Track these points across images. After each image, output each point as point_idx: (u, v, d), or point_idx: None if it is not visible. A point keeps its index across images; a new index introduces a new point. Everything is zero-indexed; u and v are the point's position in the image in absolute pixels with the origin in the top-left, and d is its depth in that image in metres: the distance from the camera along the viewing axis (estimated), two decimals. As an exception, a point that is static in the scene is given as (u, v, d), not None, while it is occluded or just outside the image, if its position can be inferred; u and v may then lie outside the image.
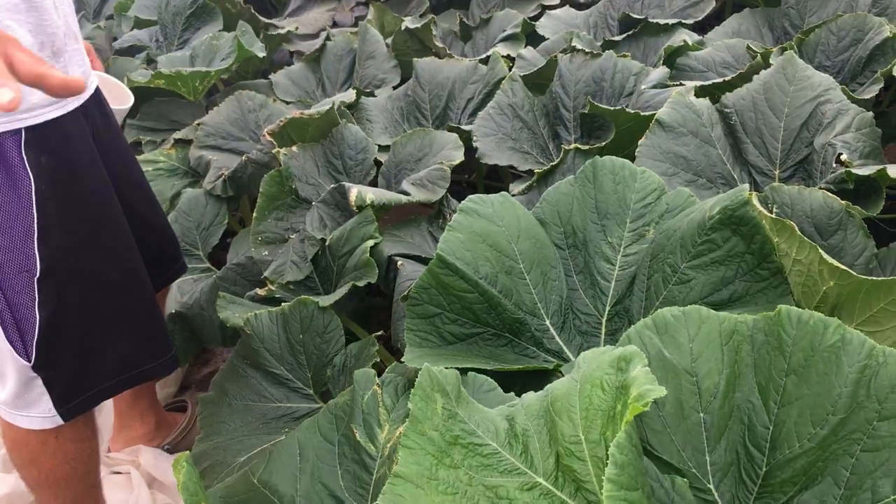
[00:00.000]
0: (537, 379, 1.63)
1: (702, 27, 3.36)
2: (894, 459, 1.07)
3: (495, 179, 3.23)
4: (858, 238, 1.63)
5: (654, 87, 2.44)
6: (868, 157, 2.00)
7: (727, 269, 1.53)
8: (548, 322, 1.75)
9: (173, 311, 2.46)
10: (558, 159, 2.20)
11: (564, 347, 1.72)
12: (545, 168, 2.20)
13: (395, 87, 3.24)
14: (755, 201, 1.40)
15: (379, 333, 2.07)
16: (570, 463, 1.07)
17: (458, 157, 2.36)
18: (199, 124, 3.03)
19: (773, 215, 1.64)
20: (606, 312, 1.76)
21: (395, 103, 3.07)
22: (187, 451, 2.23)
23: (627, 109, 2.21)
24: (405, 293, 1.91)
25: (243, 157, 2.75)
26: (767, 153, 2.09)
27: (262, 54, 3.45)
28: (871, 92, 2.23)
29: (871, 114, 2.09)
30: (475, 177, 3.20)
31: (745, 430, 1.17)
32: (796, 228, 1.31)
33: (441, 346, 1.70)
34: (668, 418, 1.19)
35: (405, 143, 2.55)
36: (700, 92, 2.27)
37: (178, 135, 3.13)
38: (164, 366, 1.88)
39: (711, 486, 1.16)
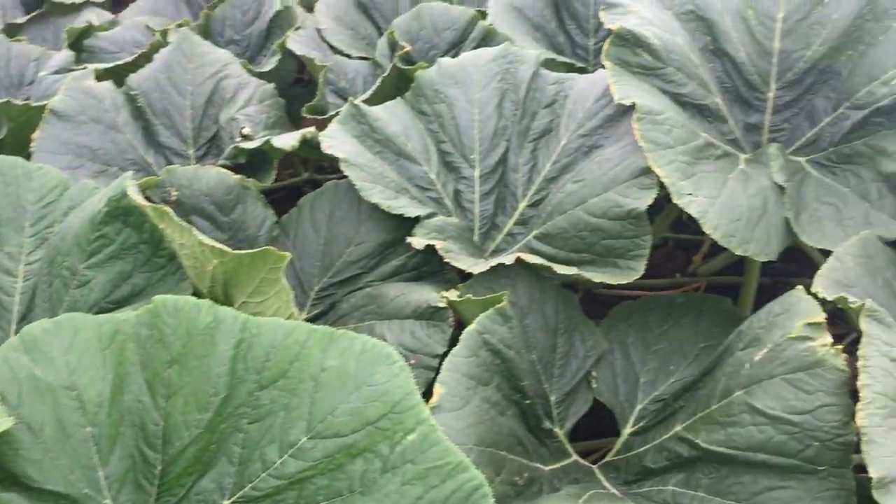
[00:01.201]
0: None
1: (121, 3, 3.21)
2: (277, 424, 1.11)
3: None
4: (258, 209, 1.69)
5: (57, 72, 2.26)
6: (274, 128, 2.10)
7: (125, 263, 1.47)
8: (-62, 357, 1.50)
9: None
10: (-58, 164, 1.90)
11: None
12: (-73, 176, 1.88)
13: None
14: (131, 190, 1.34)
15: None
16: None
17: None
18: None
19: (175, 198, 1.61)
20: (13, 332, 1.57)
21: None
22: None
23: (14, 101, 2.00)
24: None
25: None
26: (179, 133, 2.06)
27: None
28: (270, 64, 2.33)
29: (272, 85, 2.19)
30: None
31: (139, 431, 1.12)
32: (171, 213, 1.28)
33: None
34: (49, 443, 1.08)
35: None
36: (105, 75, 2.15)
37: None
38: None
39: (108, 502, 1.09)
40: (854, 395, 1.14)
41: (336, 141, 1.73)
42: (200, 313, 1.14)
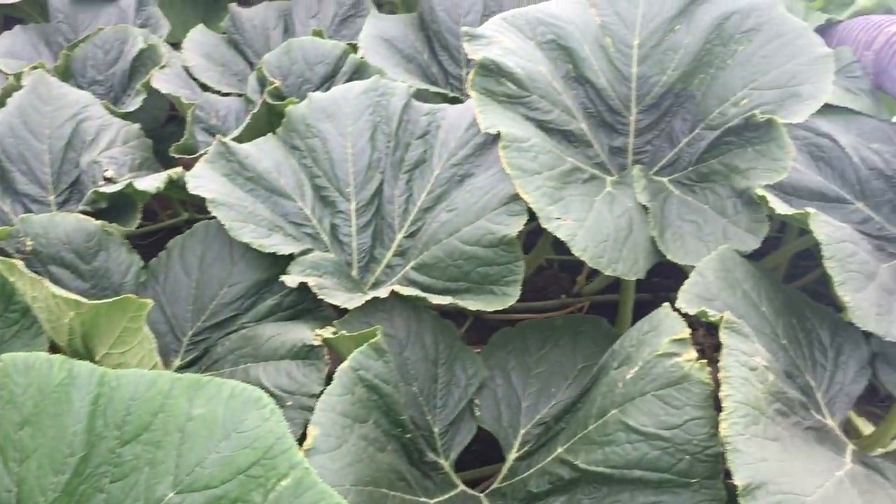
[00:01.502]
0: None
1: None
2: (142, 481, 1.05)
3: None
4: (122, 255, 1.62)
5: None
6: (141, 170, 2.03)
7: (-26, 319, 1.38)
8: None
9: None
10: None
11: None
12: None
13: None
14: (-23, 242, 1.26)
15: None
16: None
17: None
18: None
19: (30, 249, 1.53)
20: None
21: None
22: None
23: None
24: None
25: None
26: (38, 180, 1.96)
27: None
28: (135, 104, 2.26)
29: (137, 126, 2.11)
30: None
31: (-12, 501, 1.05)
32: (20, 266, 1.21)
33: None
34: None
35: None
36: (-45, 121, 2.02)
37: None
38: None
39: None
40: (719, 406, 1.17)
41: (203, 180, 1.68)
42: (53, 370, 1.07)
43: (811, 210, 1.44)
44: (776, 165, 1.53)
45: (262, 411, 1.08)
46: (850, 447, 1.34)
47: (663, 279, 2.25)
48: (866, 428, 1.80)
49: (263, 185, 1.79)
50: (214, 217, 1.67)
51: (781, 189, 1.68)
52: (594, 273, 2.36)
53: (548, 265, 2.53)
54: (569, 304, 2.36)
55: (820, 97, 1.60)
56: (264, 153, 1.86)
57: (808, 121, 1.68)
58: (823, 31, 2.30)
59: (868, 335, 1.47)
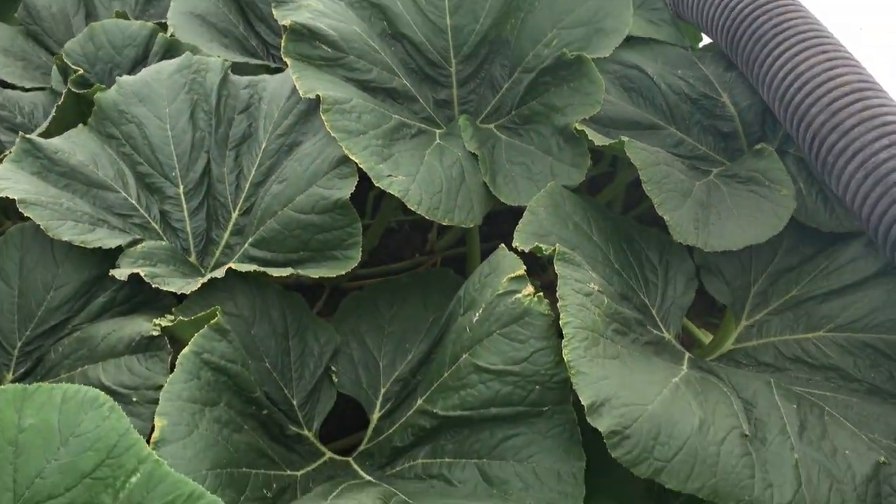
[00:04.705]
0: None
1: None
2: (-24, 503, 0.99)
3: None
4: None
5: None
6: (-59, 179, 1.86)
7: None
8: None
9: None
10: None
11: None
12: None
13: None
14: None
15: None
16: None
17: None
18: None
19: None
20: None
21: None
22: None
23: None
24: None
25: None
26: None
27: None
28: (-75, 109, 2.07)
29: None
30: None
31: None
32: None
33: None
34: None
35: None
36: None
37: None
38: None
39: None
40: (561, 334, 1.22)
41: (10, 181, 1.56)
42: None
43: (625, 139, 1.50)
44: (590, 100, 1.59)
45: (100, 410, 1.03)
46: (687, 355, 1.43)
47: (512, 227, 2.30)
48: (707, 338, 1.93)
49: (80, 180, 1.68)
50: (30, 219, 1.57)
51: (600, 122, 1.75)
52: (444, 229, 2.39)
53: (398, 227, 2.54)
54: (422, 262, 2.37)
55: (623, 30, 1.67)
56: (77, 146, 1.75)
57: (617, 54, 1.75)
58: (624, -32, 2.39)
59: (691, 249, 1.57)
